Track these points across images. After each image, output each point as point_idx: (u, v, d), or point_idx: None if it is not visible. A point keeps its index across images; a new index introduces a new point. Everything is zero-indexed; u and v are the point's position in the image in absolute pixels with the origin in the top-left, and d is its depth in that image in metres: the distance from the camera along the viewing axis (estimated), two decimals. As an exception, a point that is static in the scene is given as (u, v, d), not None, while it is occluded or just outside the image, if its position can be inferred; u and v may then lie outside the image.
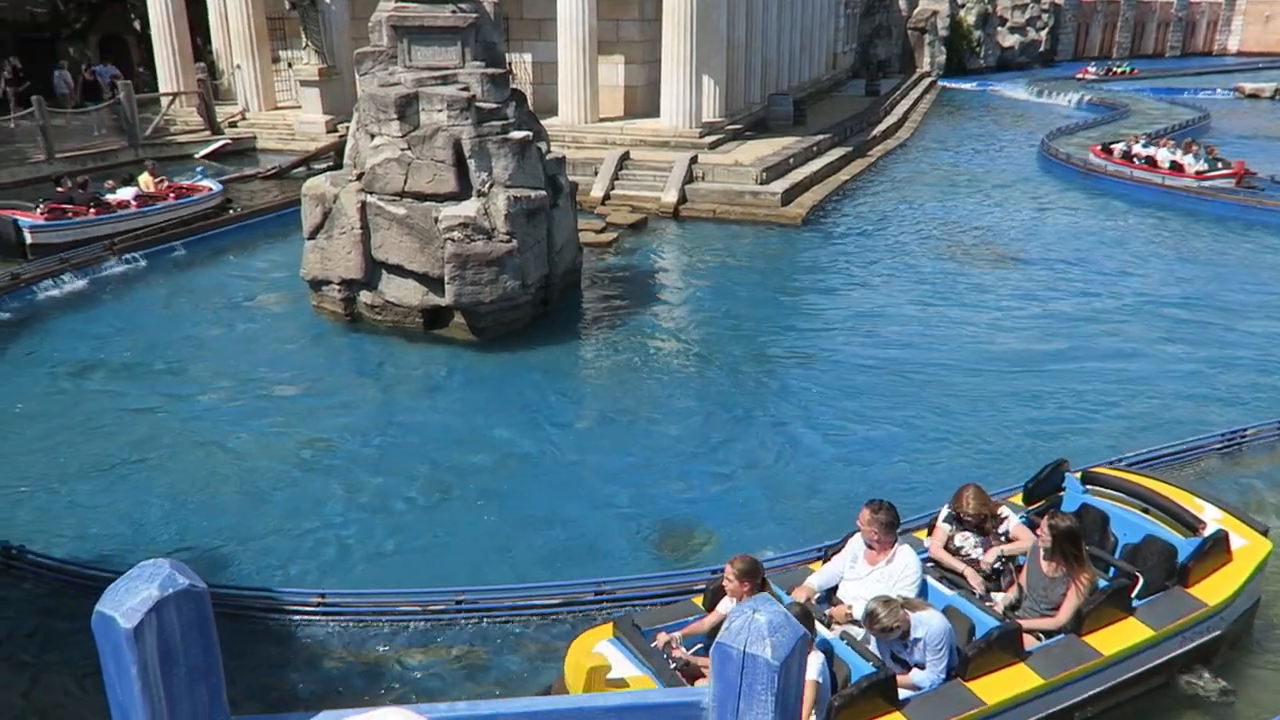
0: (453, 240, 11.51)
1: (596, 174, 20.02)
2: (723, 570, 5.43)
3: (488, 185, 11.82)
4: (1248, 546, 6.35)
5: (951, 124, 34.89)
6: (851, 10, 43.78)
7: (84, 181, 17.16)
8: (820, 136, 24.37)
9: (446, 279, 11.58)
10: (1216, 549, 6.11)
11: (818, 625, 5.32)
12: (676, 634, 5.45)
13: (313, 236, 12.36)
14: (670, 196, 19.37)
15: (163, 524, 8.00)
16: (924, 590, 5.74)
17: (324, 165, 20.80)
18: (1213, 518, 6.46)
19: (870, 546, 5.71)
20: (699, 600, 5.84)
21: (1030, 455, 8.96)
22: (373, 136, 12.08)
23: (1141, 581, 6.05)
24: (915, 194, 21.90)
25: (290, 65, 26.32)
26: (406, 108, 11.82)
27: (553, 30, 22.79)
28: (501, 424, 10.01)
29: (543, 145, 13.02)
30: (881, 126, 29.97)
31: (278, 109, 26.06)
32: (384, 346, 11.99)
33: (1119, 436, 9.61)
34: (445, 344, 11.95)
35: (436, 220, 11.57)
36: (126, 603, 2.44)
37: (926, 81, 45.13)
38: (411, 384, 11.11)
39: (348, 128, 13.41)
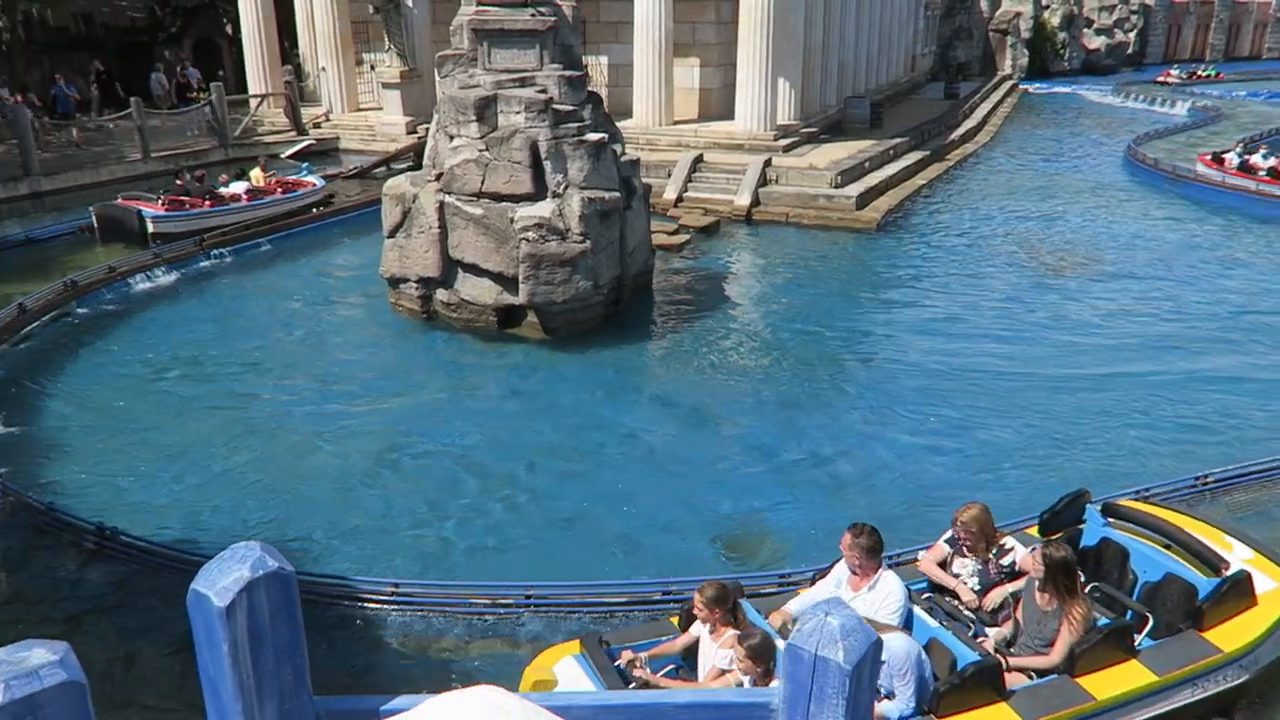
0: (527, 240, 11.67)
1: (670, 176, 20.06)
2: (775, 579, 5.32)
3: (563, 186, 11.95)
4: (1278, 590, 5.84)
5: (1033, 128, 34.07)
6: (931, 12, 43.05)
7: (200, 175, 18.10)
8: (897, 140, 24.03)
9: (521, 278, 11.74)
10: (1238, 591, 5.64)
11: None
12: (642, 654, 5.29)
13: (392, 235, 12.65)
14: (743, 200, 19.31)
15: (245, 512, 8.28)
16: (909, 621, 5.46)
17: (404, 166, 21.24)
18: (1241, 557, 6.00)
19: (853, 572, 5.49)
20: (675, 620, 5.72)
21: (1097, 474, 8.67)
22: (452, 138, 12.31)
23: (1151, 622, 5.64)
24: (994, 199, 21.45)
25: (373, 68, 26.94)
26: (485, 110, 12.02)
27: (629, 33, 22.91)
28: (572, 422, 10.12)
29: (618, 147, 13.11)
30: (960, 130, 29.43)
31: (360, 110, 26.70)
32: (459, 344, 12.21)
33: (1195, 460, 9.20)
34: (518, 342, 12.11)
35: (512, 220, 11.74)
36: (220, 582, 2.56)
37: (1008, 84, 44.14)
38: (485, 381, 11.29)
39: (427, 129, 13.70)
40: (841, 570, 5.60)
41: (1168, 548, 6.10)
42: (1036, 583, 5.41)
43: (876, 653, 2.67)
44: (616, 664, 5.20)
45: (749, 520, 8.35)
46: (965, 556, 5.91)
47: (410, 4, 24.32)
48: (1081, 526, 6.42)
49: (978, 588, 5.85)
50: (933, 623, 5.46)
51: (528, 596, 6.78)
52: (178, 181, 17.69)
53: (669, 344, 12.53)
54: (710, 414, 10.44)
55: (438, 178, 12.38)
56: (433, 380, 11.39)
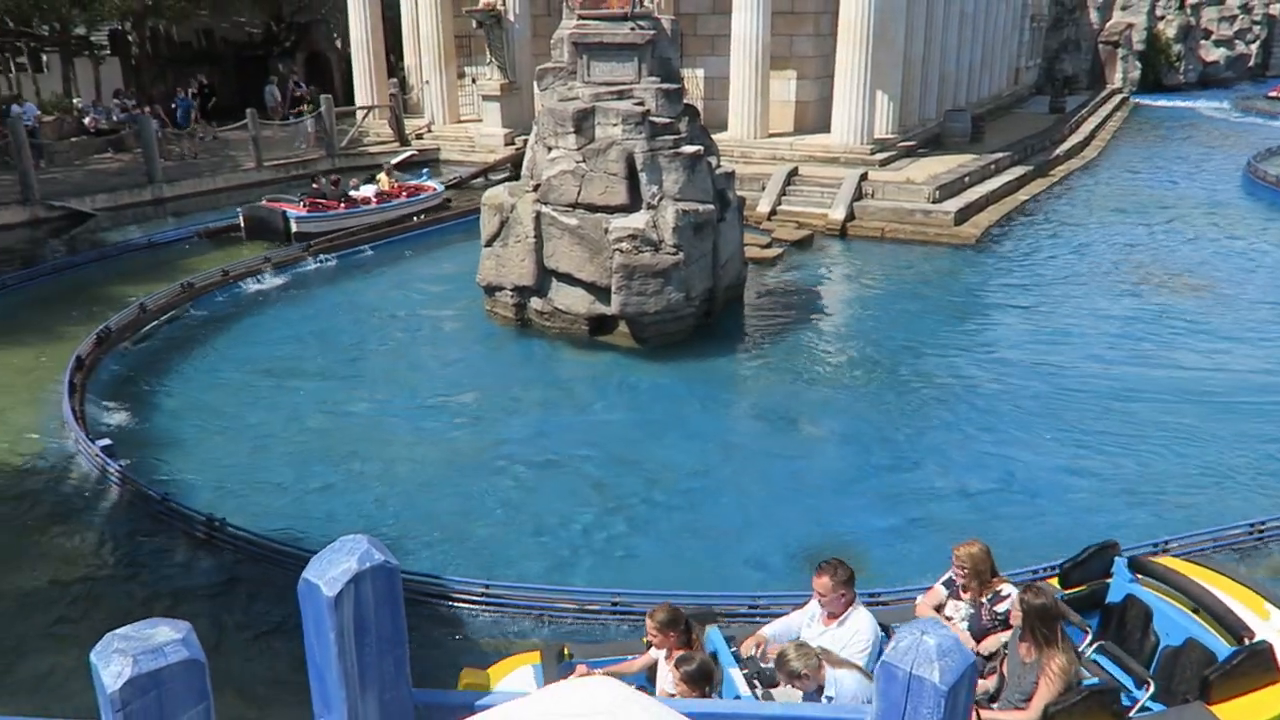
0: (621, 251, 11.78)
1: (764, 189, 19.99)
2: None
3: (657, 198, 12.04)
4: None
5: (1144, 143, 32.81)
6: (1038, 24, 41.89)
7: (336, 180, 19.24)
8: (998, 154, 23.45)
9: (613, 288, 11.86)
10: (1256, 662, 5.08)
11: None
12: (598, 670, 5.04)
13: (489, 244, 12.93)
14: (838, 213, 19.11)
15: (341, 509, 8.56)
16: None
17: (501, 176, 21.67)
18: (1276, 627, 5.41)
19: (826, 609, 5.22)
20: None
21: (1200, 509, 8.30)
22: (550, 149, 12.52)
23: (1153, 687, 5.17)
24: (1101, 216, 20.73)
25: (474, 80, 27.59)
26: (583, 121, 12.20)
27: (725, 46, 22.95)
28: (662, 432, 10.16)
29: (713, 160, 13.14)
30: (1066, 145, 28.54)
31: (460, 122, 27.37)
32: (552, 351, 12.39)
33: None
34: (609, 351, 12.23)
35: (606, 231, 11.87)
36: (329, 573, 2.66)
37: (1118, 98, 42.62)
38: (577, 389, 11.43)
39: (525, 140, 13.97)
40: (816, 604, 5.36)
41: (1195, 610, 5.60)
42: (1019, 632, 5.05)
43: (973, 674, 2.62)
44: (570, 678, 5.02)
45: (836, 535, 8.25)
46: (959, 599, 5.59)
47: (512, 19, 24.86)
48: (1108, 581, 5.93)
49: (969, 632, 5.48)
50: None
51: (614, 604, 6.83)
52: (314, 185, 19.20)
53: (761, 356, 12.47)
54: (804, 428, 10.36)
55: (535, 188, 12.61)
56: (526, 386, 11.58)
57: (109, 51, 33.19)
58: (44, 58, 33.91)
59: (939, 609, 5.62)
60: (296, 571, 2.77)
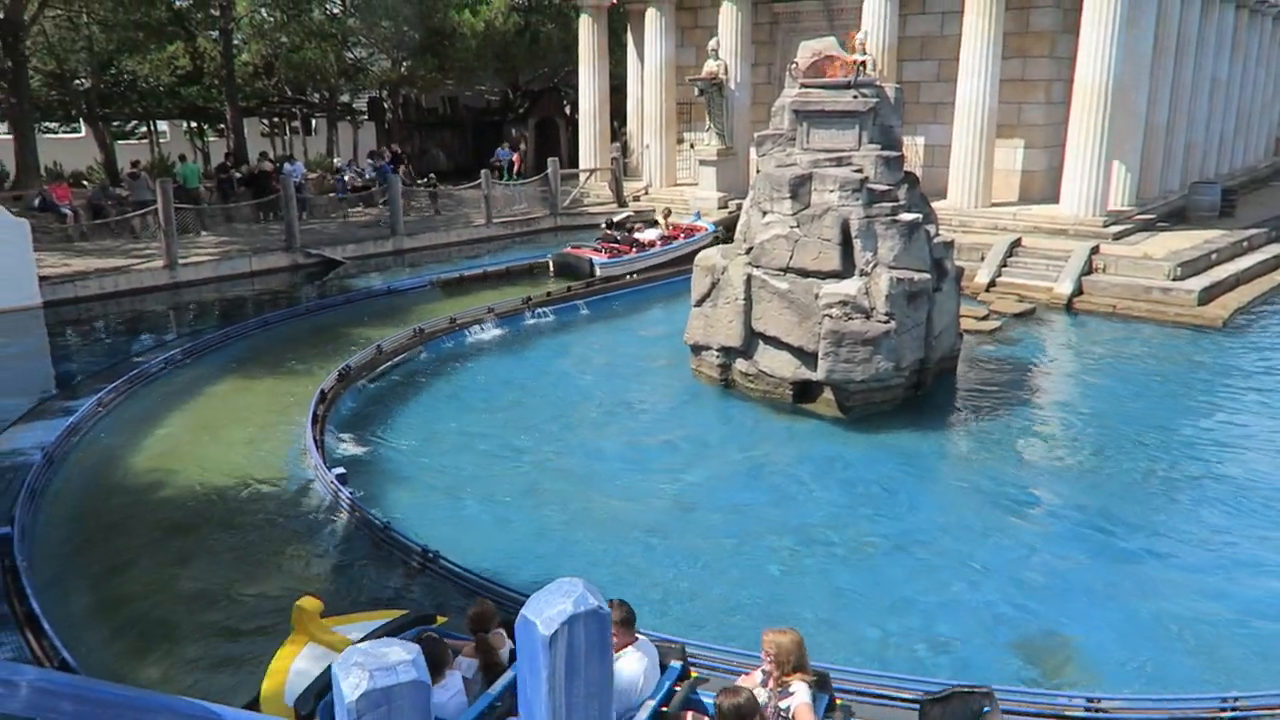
0: (830, 317, 11.67)
1: (983, 259, 19.27)
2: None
3: (871, 265, 11.88)
4: None
5: None
6: (1303, 90, 38.32)
7: (631, 227, 21.20)
8: (1253, 230, 21.49)
9: (820, 354, 11.74)
10: None
11: None
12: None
13: (699, 304, 13.16)
14: (1064, 287, 18.10)
15: (543, 552, 8.85)
16: None
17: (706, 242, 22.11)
18: None
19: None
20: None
21: None
22: (764, 213, 12.66)
23: None
24: (1378, 302, 18.50)
25: (692, 146, 28.42)
26: (799, 187, 12.27)
27: (948, 114, 22.49)
28: (862, 503, 9.89)
29: (931, 228, 12.84)
30: (1335, 222, 25.74)
31: (676, 185, 28.20)
32: (754, 414, 12.38)
33: None
34: (812, 418, 12.07)
35: (817, 296, 11.81)
36: (545, 612, 2.78)
37: (1401, 171, 38.08)
38: (778, 454, 11.34)
39: (739, 204, 14.19)
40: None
41: None
42: None
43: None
44: None
45: (1045, 626, 7.69)
46: (766, 687, 5.14)
47: (733, 87, 25.49)
48: None
49: None
50: None
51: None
52: (606, 230, 21.37)
53: (972, 433, 11.92)
54: (1016, 510, 9.78)
55: (747, 251, 12.76)
56: (727, 447, 11.61)
57: (366, 117, 36.78)
58: (313, 122, 38.00)
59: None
60: (502, 607, 2.92)
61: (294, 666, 5.71)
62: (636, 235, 20.93)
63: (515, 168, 30.98)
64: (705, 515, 9.63)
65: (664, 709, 4.95)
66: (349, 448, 11.22)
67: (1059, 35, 22.37)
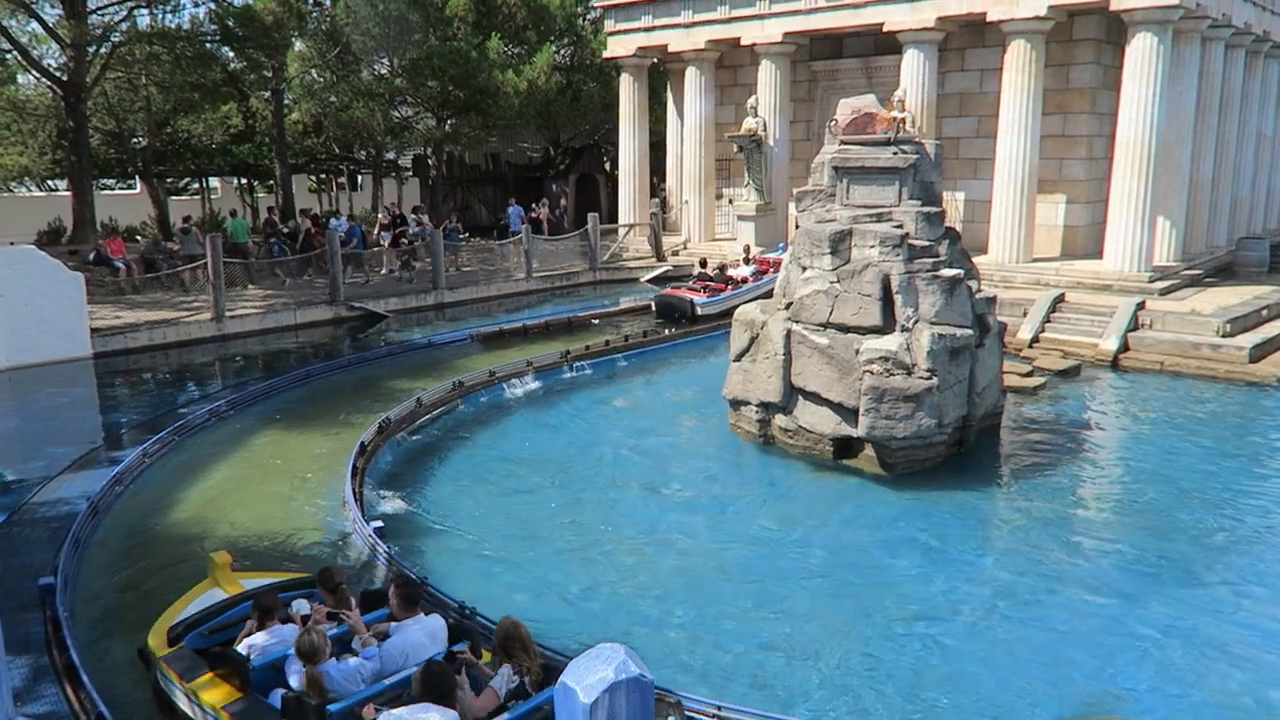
0: (871, 373, 11.56)
1: (1025, 315, 19.06)
2: None
3: (913, 321, 11.78)
4: None
5: None
6: (1352, 144, 37.76)
7: (722, 266, 21.80)
8: (1304, 286, 21.08)
9: (861, 410, 11.61)
10: None
11: None
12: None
13: (738, 359, 13.11)
14: (1109, 344, 17.81)
15: (587, 612, 8.74)
16: None
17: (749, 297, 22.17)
18: None
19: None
20: None
21: None
22: (804, 269, 12.65)
23: None
24: None
25: (730, 201, 28.63)
26: (839, 243, 12.26)
27: (988, 169, 22.48)
28: (902, 565, 9.66)
29: (973, 283, 12.73)
30: (1390, 278, 25.18)
31: (715, 240, 28.36)
32: (793, 470, 12.23)
33: None
34: (852, 474, 11.90)
35: (857, 352, 11.72)
36: (586, 679, 2.71)
37: None
38: (817, 511, 11.16)
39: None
40: None
41: None
42: None
43: None
44: None
45: (1098, 702, 7.39)
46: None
47: (772, 143, 25.71)
48: None
49: None
50: None
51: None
52: (701, 269, 22.13)
53: (1016, 493, 11.66)
54: (1062, 577, 9.48)
55: (787, 306, 12.73)
56: (762, 503, 11.46)
57: (411, 173, 37.58)
58: (359, 179, 38.88)
59: None
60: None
61: (192, 605, 7.07)
62: (730, 273, 21.59)
63: (543, 227, 31.22)
64: (743, 575, 9.46)
65: None
66: (388, 502, 11.22)
67: (1099, 91, 22.36)
